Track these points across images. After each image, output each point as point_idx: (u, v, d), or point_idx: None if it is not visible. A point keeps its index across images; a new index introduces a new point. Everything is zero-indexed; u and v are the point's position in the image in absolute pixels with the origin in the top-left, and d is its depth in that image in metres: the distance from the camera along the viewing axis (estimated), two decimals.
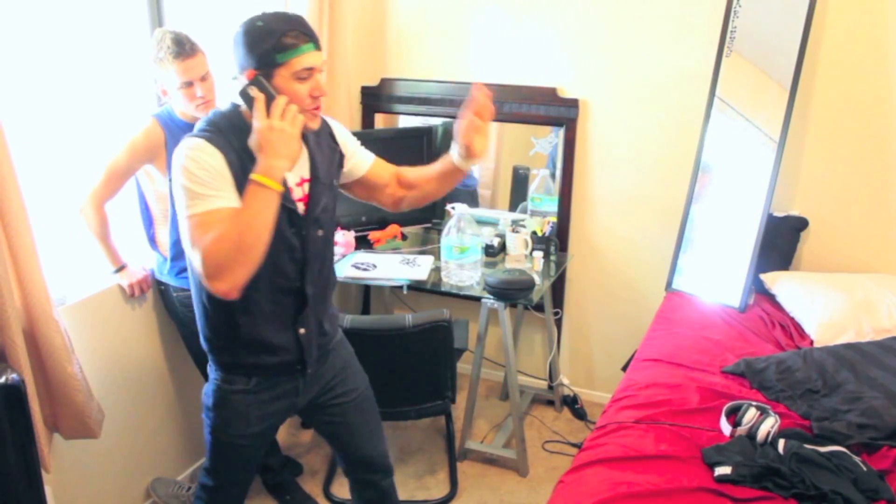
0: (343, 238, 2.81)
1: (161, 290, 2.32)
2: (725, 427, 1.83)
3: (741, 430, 1.78)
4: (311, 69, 1.45)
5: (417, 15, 3.10)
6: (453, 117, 3.10)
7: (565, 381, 3.22)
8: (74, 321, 2.05)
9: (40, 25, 1.98)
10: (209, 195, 1.40)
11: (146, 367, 2.39)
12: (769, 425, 1.76)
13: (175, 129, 2.13)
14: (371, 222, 2.94)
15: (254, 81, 1.42)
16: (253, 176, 1.40)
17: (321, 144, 1.64)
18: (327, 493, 2.62)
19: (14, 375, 1.66)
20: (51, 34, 2.00)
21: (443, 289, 2.64)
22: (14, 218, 1.72)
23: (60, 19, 2.03)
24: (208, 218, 1.38)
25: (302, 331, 1.64)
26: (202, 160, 1.41)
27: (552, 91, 2.92)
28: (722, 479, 1.62)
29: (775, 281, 2.55)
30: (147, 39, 2.25)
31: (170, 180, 1.60)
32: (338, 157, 1.69)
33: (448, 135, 3.14)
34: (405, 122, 3.24)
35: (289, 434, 2.98)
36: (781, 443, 1.72)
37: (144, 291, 2.28)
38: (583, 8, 2.81)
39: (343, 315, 2.31)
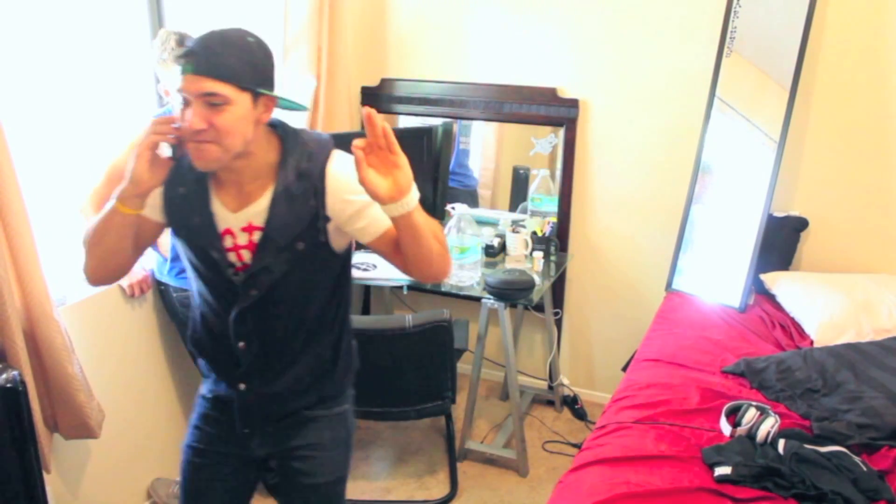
0: None
1: (161, 290, 2.32)
2: (725, 427, 1.82)
3: (741, 430, 1.78)
4: (183, 90, 1.24)
5: (417, 15, 3.10)
6: (453, 117, 3.11)
7: (565, 381, 3.22)
8: (74, 321, 2.05)
9: (41, 25, 1.98)
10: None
11: (146, 367, 2.39)
12: (769, 425, 1.75)
13: None
14: None
15: None
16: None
17: (292, 195, 1.32)
18: None
19: (15, 372, 1.67)
20: (51, 34, 2.00)
21: (443, 289, 2.64)
22: (14, 218, 1.72)
23: (61, 19, 2.03)
24: None
25: (242, 386, 1.44)
26: None
27: (552, 91, 2.92)
28: (722, 480, 1.62)
29: (775, 281, 2.55)
30: (147, 40, 2.26)
31: None
32: (310, 218, 1.34)
33: (448, 135, 3.14)
34: (405, 122, 3.24)
35: None
36: (781, 443, 1.72)
37: (144, 292, 2.28)
38: (583, 8, 2.81)
39: None
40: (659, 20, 2.71)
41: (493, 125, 3.12)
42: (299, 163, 1.33)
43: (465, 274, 2.63)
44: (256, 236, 1.34)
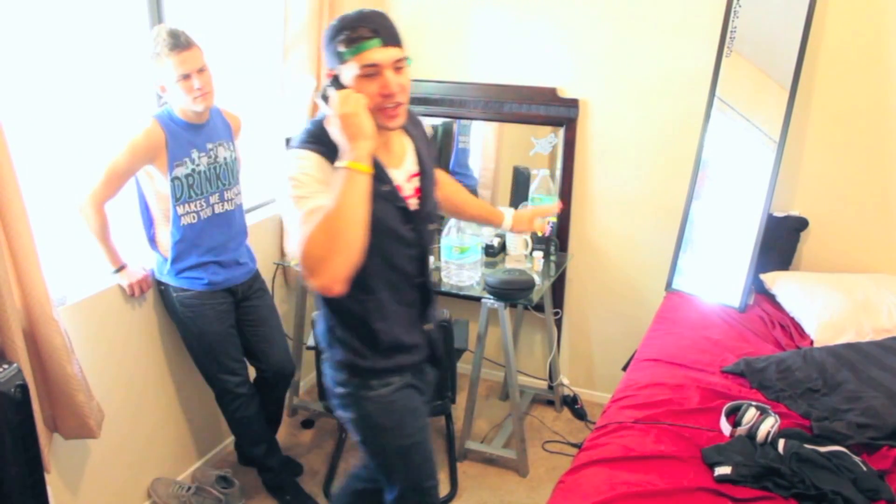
0: None
1: (161, 290, 2.32)
2: (725, 427, 1.83)
3: (741, 430, 1.78)
4: (374, 65, 1.40)
5: (417, 15, 3.10)
6: (453, 117, 3.11)
7: (565, 381, 3.22)
8: (74, 321, 2.05)
9: (40, 25, 1.98)
10: (309, 196, 1.40)
11: (146, 367, 2.39)
12: (769, 425, 1.76)
13: (175, 129, 2.14)
14: None
15: (332, 81, 1.45)
16: (337, 164, 1.40)
17: (421, 139, 1.65)
18: (327, 494, 2.61)
19: (15, 365, 1.67)
20: (51, 34, 2.00)
21: (443, 289, 2.64)
22: (14, 218, 1.72)
23: (60, 19, 2.03)
24: (308, 217, 1.37)
25: (429, 326, 1.68)
26: (302, 166, 1.43)
27: (552, 91, 2.92)
28: (722, 479, 1.62)
29: (775, 281, 2.55)
30: (147, 39, 2.26)
31: None
32: (436, 156, 1.73)
33: (448, 135, 3.13)
34: None
35: (289, 434, 2.97)
36: (781, 443, 1.72)
37: (144, 291, 2.28)
38: (583, 8, 2.81)
39: None
40: (659, 20, 2.71)
41: (493, 125, 3.12)
42: (409, 119, 1.60)
43: (465, 274, 2.63)
44: (415, 182, 1.59)
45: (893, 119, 2.47)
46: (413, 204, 1.57)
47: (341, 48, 1.40)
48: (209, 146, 2.22)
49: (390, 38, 1.41)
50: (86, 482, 2.21)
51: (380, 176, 1.48)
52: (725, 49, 2.54)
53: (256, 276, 2.46)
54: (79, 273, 2.16)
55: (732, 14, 2.51)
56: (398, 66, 1.42)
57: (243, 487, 2.56)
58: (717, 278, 2.61)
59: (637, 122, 2.84)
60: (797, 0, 2.40)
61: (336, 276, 1.35)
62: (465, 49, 3.05)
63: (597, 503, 1.55)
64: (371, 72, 1.40)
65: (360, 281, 1.49)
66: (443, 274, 2.66)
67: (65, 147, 2.11)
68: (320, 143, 1.44)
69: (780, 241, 2.62)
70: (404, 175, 1.56)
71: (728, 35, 2.53)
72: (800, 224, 2.63)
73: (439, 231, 2.75)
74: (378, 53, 1.40)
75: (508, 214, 1.96)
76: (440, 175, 1.83)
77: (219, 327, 2.32)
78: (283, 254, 2.93)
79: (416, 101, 3.14)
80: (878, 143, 2.51)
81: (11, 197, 1.70)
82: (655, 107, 2.79)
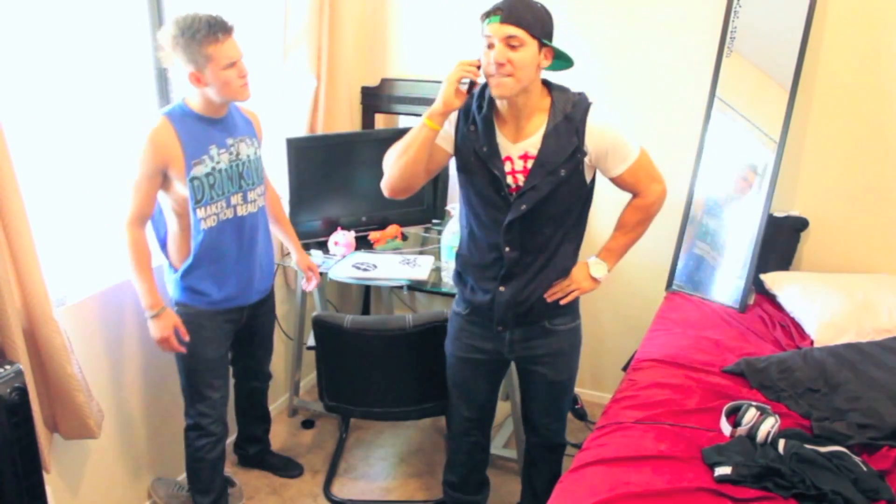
0: (343, 238, 2.80)
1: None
2: (725, 427, 1.83)
3: (741, 430, 1.78)
4: (489, 37, 1.62)
5: (417, 15, 3.10)
6: None
7: None
8: (74, 321, 2.05)
9: (40, 25, 1.98)
10: None
11: (146, 367, 2.39)
12: (769, 425, 1.75)
13: (190, 124, 1.98)
14: (371, 222, 2.94)
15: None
16: None
17: (560, 132, 1.73)
18: (327, 494, 2.61)
19: (18, 366, 1.67)
20: (51, 33, 2.00)
21: (443, 289, 2.63)
22: (14, 218, 1.72)
23: (60, 19, 2.03)
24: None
25: (501, 289, 1.84)
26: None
27: None
28: (722, 480, 1.62)
29: (775, 281, 2.55)
30: (148, 38, 2.26)
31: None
32: (572, 151, 1.73)
33: None
34: (405, 122, 3.24)
35: (289, 434, 2.98)
36: (781, 443, 1.72)
37: (172, 345, 2.08)
38: (583, 8, 2.81)
39: (342, 315, 2.31)
40: (659, 20, 2.70)
41: None
42: (565, 108, 1.73)
43: None
44: (530, 163, 1.74)
45: (893, 119, 2.47)
46: (517, 179, 1.74)
47: (481, 20, 1.64)
48: (229, 142, 2.06)
49: (513, 18, 1.60)
50: (86, 482, 2.20)
51: (485, 138, 1.74)
52: (725, 49, 2.54)
53: (269, 297, 2.35)
54: (79, 273, 2.16)
55: (732, 14, 2.51)
56: (511, 43, 1.60)
57: (243, 487, 2.56)
58: (718, 278, 2.61)
59: (637, 122, 2.83)
60: (797, 0, 2.40)
61: (384, 185, 1.81)
62: (465, 49, 3.04)
63: (597, 503, 1.55)
64: (488, 42, 1.63)
65: (462, 211, 1.88)
66: (443, 274, 2.65)
67: (65, 147, 2.10)
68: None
69: (780, 241, 2.62)
70: (519, 151, 1.74)
71: (728, 35, 2.53)
72: (800, 224, 2.63)
73: (439, 231, 2.75)
74: (493, 27, 1.61)
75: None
76: (632, 184, 1.86)
77: (213, 353, 2.17)
78: (282, 254, 2.93)
79: (416, 100, 3.15)
80: (878, 144, 2.51)
81: (11, 197, 1.70)
82: (655, 106, 2.79)
